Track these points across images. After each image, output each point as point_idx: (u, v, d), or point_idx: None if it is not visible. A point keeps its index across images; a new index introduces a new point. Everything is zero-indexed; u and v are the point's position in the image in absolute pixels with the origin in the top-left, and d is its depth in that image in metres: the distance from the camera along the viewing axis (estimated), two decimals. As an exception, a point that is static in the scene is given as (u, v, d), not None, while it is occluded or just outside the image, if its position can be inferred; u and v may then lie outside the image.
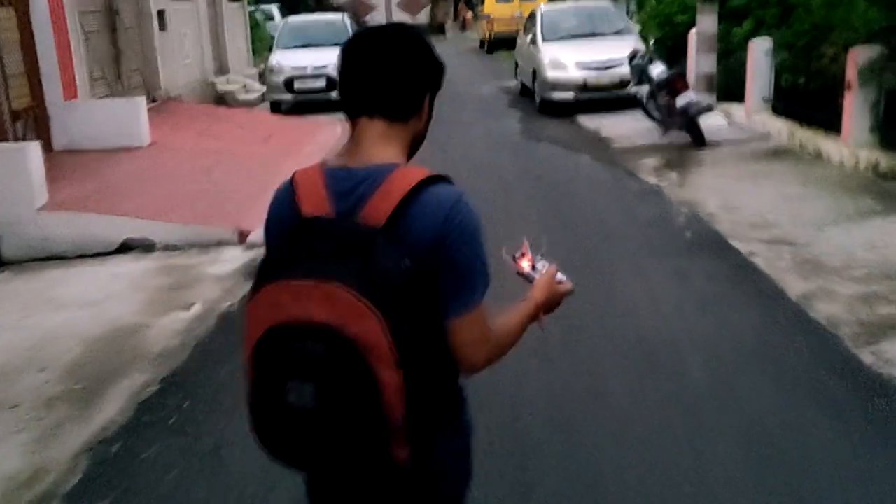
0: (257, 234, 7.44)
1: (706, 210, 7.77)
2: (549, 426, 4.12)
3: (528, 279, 1.97)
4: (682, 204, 8.08)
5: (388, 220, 1.64)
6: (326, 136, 13.22)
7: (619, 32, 15.11)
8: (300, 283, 1.58)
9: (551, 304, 1.95)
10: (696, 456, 3.79)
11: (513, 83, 18.78)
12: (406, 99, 1.78)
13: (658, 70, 11.37)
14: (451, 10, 46.17)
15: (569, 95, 14.09)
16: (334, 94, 15.48)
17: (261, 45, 23.43)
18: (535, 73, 14.88)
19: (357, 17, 38.90)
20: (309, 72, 15.85)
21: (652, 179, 9.27)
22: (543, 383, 4.57)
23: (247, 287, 6.59)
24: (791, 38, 10.53)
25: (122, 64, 12.93)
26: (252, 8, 28.24)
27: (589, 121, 13.47)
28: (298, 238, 1.67)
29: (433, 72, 1.82)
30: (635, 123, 12.76)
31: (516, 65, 17.79)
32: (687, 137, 10.90)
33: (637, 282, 6.11)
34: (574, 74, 14.04)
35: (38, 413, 4.50)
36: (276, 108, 16.27)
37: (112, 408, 4.52)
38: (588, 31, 15.14)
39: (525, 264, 1.99)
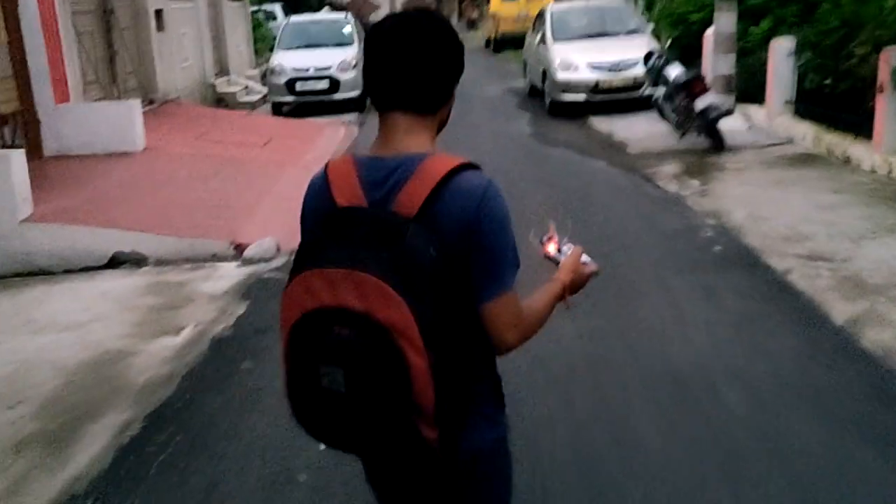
0: (254, 249, 6.99)
1: (733, 221, 7.28)
2: (572, 475, 3.66)
3: (554, 262, 2.01)
4: (706, 214, 7.60)
5: (420, 209, 1.67)
6: (329, 139, 12.77)
7: (631, 32, 14.62)
8: (333, 270, 1.61)
9: (576, 284, 1.99)
10: (746, 515, 3.33)
11: (521, 83, 18.31)
12: (437, 93, 1.80)
13: (675, 72, 10.89)
14: (456, 8, 45.68)
15: (580, 97, 13.61)
16: (337, 96, 15.07)
17: (263, 45, 22.98)
18: (544, 73, 14.41)
19: (361, 17, 38.54)
20: (311, 73, 15.38)
21: (672, 187, 8.79)
22: (565, 426, 4.09)
23: (242, 307, 6.15)
24: (817, 36, 10.04)
25: (118, 66, 12.48)
26: (254, 8, 27.85)
27: (601, 123, 12.99)
28: (332, 227, 1.69)
29: (459, 59, 1.83)
30: (650, 126, 12.28)
31: (525, 65, 17.31)
32: (706, 141, 10.42)
33: (663, 301, 5.64)
34: (586, 75, 13.56)
35: (4, 460, 4.03)
36: (278, 110, 15.81)
37: (88, 453, 4.05)
38: (599, 31, 14.66)
39: (551, 248, 2.04)
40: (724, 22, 11.66)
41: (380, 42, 1.77)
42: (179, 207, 8.12)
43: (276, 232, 7.59)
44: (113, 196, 8.30)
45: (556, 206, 8.11)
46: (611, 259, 6.53)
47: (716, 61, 11.89)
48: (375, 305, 1.58)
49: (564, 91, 13.72)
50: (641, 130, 12.13)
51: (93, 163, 9.56)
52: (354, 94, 15.51)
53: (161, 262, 7.09)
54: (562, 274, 1.97)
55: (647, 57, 11.65)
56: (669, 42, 11.74)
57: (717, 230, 7.10)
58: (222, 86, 17.63)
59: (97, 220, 7.44)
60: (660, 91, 11.48)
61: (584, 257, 2.02)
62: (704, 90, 10.09)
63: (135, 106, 10.40)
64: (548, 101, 14.32)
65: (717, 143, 10.20)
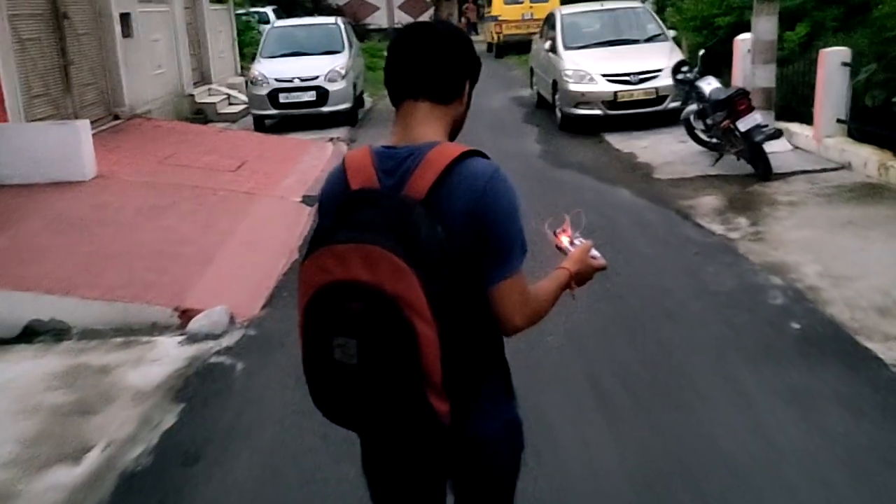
0: (201, 321, 5.51)
1: (805, 280, 5.81)
2: None
3: (565, 253, 2.06)
4: (768, 269, 6.13)
5: (428, 193, 1.75)
6: (313, 159, 11.28)
7: (652, 38, 13.15)
8: (342, 246, 1.68)
9: (583, 275, 2.03)
10: None
11: (526, 92, 16.83)
12: (449, 83, 1.90)
13: (711, 86, 9.43)
14: (456, 11, 44.20)
15: (596, 111, 12.14)
16: (325, 109, 13.62)
17: (251, 50, 21.46)
18: (555, 84, 12.93)
19: (357, 19, 37.15)
20: (296, 83, 13.87)
21: (717, 227, 7.31)
22: None
23: (172, 415, 4.57)
24: (877, 46, 8.59)
25: (73, 77, 10.99)
26: (242, 11, 26.38)
27: (620, 141, 11.51)
28: (345, 209, 1.76)
29: (473, 63, 1.95)
30: (677, 146, 10.83)
31: (531, 73, 15.82)
32: (746, 166, 8.96)
33: (734, 410, 4.17)
34: (602, 87, 12.08)
35: None
36: (260, 124, 14.32)
37: None
38: (616, 37, 13.19)
39: (564, 239, 2.11)
40: (764, 27, 10.18)
41: (403, 40, 1.90)
42: (118, 257, 6.64)
43: (233, 292, 6.14)
44: (37, 243, 6.81)
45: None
46: (653, 336, 5.08)
47: (754, 72, 10.40)
48: (384, 277, 1.63)
49: (578, 104, 12.25)
50: (668, 151, 10.66)
51: (27, 196, 8.08)
52: (344, 106, 14.03)
53: (87, 335, 5.62)
54: (569, 263, 2.01)
55: (677, 68, 10.21)
56: (703, 52, 10.21)
57: (787, 294, 5.62)
58: (202, 96, 16.15)
59: (9, 278, 5.97)
60: (690, 107, 10.04)
61: (594, 251, 2.08)
62: (749, 109, 8.61)
63: (83, 127, 8.90)
64: (559, 114, 12.85)
65: (763, 170, 8.73)
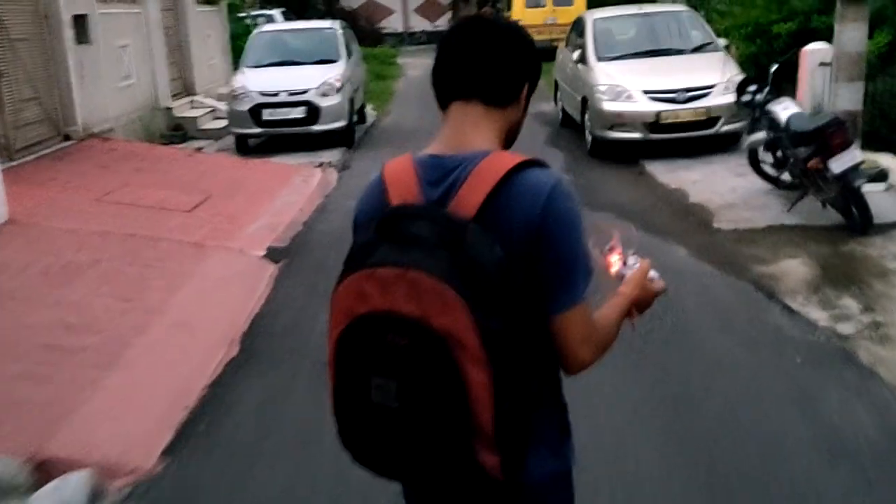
0: (50, 496, 3.55)
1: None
2: None
3: (617, 276, 1.84)
4: (915, 399, 4.13)
5: (479, 210, 1.55)
6: (293, 193, 9.35)
7: (700, 48, 11.11)
8: (385, 270, 1.47)
9: (643, 301, 1.81)
10: None
11: (549, 108, 14.78)
12: (507, 82, 1.71)
13: (789, 111, 7.43)
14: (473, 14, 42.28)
15: (635, 135, 10.13)
16: (317, 128, 11.70)
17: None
18: (584, 101, 10.93)
19: (371, 22, 35.29)
20: (283, 98, 11.92)
21: (816, 312, 5.31)
22: None
23: None
24: None
25: (4, 91, 9.11)
26: (244, 14, 24.51)
27: (664, 172, 9.50)
28: (386, 227, 1.54)
29: (534, 64, 1.77)
30: (734, 180, 8.83)
31: (556, 86, 13.80)
32: (828, 212, 6.98)
33: None
34: (642, 107, 10.07)
35: None
36: (243, 144, 12.37)
37: None
38: (658, 47, 11.15)
39: (615, 259, 1.85)
40: (850, 36, 8.15)
41: (457, 34, 1.73)
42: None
43: (130, 423, 4.23)
44: None
45: (618, 355, 4.64)
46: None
47: (835, 92, 8.37)
48: (431, 310, 1.42)
49: (613, 127, 10.24)
50: (725, 188, 8.65)
51: None
52: (339, 124, 12.05)
53: None
54: (627, 288, 1.78)
55: (742, 87, 8.20)
56: (775, 66, 8.17)
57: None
58: (182, 109, 14.27)
59: None
60: (758, 135, 8.03)
61: (652, 272, 1.84)
62: (845, 144, 6.60)
63: (-10, 158, 7.01)
64: (589, 137, 10.84)
65: (862, 222, 6.72)
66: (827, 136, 6.62)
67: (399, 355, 1.45)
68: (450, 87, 1.71)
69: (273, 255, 7.09)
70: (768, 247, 6.71)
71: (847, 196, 6.70)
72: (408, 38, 35.74)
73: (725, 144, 10.21)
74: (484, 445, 1.47)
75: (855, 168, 6.53)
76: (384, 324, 1.46)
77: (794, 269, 6.16)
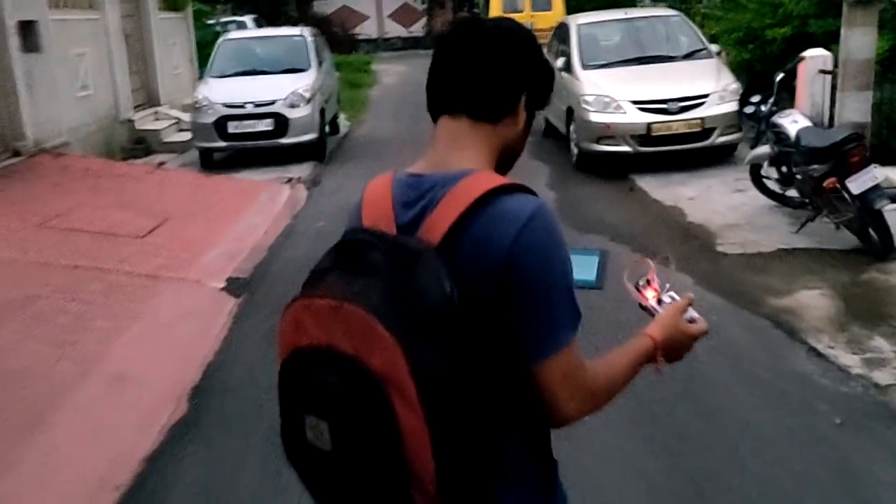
0: None
1: None
2: None
3: (650, 313, 1.62)
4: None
5: (445, 236, 1.38)
6: (259, 213, 8.66)
7: (691, 55, 10.50)
8: (322, 302, 1.33)
9: (676, 345, 1.58)
10: None
11: (531, 118, 14.18)
12: (496, 94, 1.49)
13: (798, 124, 6.82)
14: (449, 20, 41.74)
15: (624, 148, 9.50)
16: (286, 140, 11.01)
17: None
18: (570, 112, 10.29)
19: (346, 29, 34.57)
20: (249, 109, 11.20)
21: (845, 356, 4.68)
22: None
23: None
24: None
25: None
26: (213, 21, 23.76)
27: (657, 188, 8.87)
28: (344, 252, 1.40)
29: (534, 70, 1.53)
30: (732, 197, 8.27)
31: (538, 95, 13.16)
32: (841, 233, 6.39)
33: None
34: (632, 118, 9.45)
35: None
36: (207, 159, 11.63)
37: None
38: (647, 54, 10.51)
39: (650, 295, 1.64)
40: (858, 42, 7.56)
41: (445, 40, 1.54)
42: None
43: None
44: None
45: (624, 419, 3.98)
46: None
47: (842, 102, 7.79)
48: (364, 348, 1.28)
49: (600, 140, 9.61)
50: (724, 205, 8.05)
51: None
52: (309, 137, 11.34)
53: None
54: (655, 329, 1.56)
55: (745, 97, 7.58)
56: (781, 76, 7.55)
57: None
58: (145, 121, 13.54)
59: None
60: (761, 149, 7.43)
61: (691, 312, 1.62)
62: (864, 162, 5.99)
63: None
64: (575, 150, 10.21)
65: (883, 247, 6.11)
66: (844, 153, 6.01)
67: (329, 395, 1.32)
68: (436, 99, 1.53)
69: (233, 287, 6.38)
70: (782, 275, 6.09)
71: (865, 218, 6.09)
72: (383, 45, 35.10)
73: (720, 157, 9.63)
74: (423, 496, 1.31)
75: (876, 188, 5.93)
76: (319, 360, 1.32)
77: (813, 301, 5.54)
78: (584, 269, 1.65)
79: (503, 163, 1.54)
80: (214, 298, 6.18)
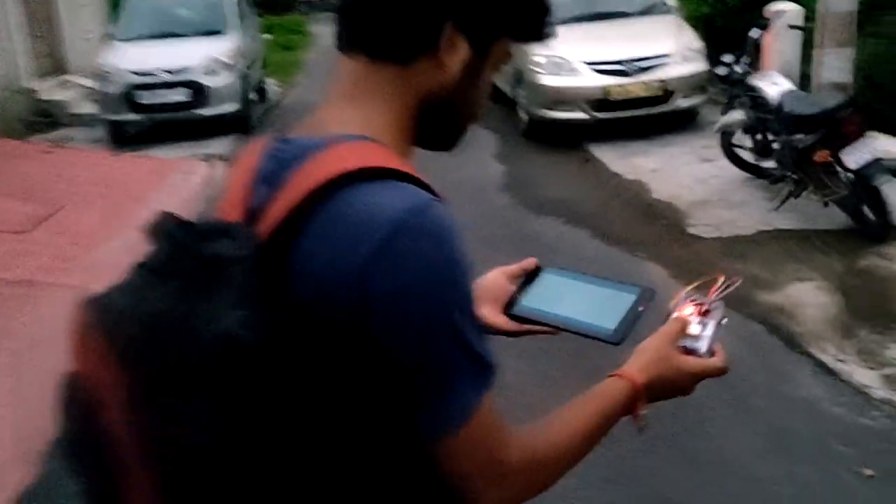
0: None
1: None
2: None
3: (688, 350, 1.12)
4: None
5: (274, 237, 0.90)
6: (172, 194, 7.62)
7: (648, 10, 9.61)
8: (84, 313, 0.92)
9: (666, 389, 1.09)
10: None
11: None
12: (402, 19, 0.96)
13: (779, 87, 6.00)
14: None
15: (579, 114, 8.62)
16: (205, 111, 9.92)
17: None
18: (519, 76, 9.35)
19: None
20: (161, 77, 10.06)
21: (859, 372, 3.90)
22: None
23: None
24: None
25: None
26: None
27: (616, 159, 8.01)
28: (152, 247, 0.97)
29: None
30: (699, 167, 7.47)
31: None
32: (829, 210, 5.61)
33: None
34: (587, 81, 8.57)
35: None
36: (118, 133, 10.44)
37: None
38: (600, 10, 9.60)
39: (688, 312, 1.14)
40: (840, -6, 6.73)
41: None
42: None
43: None
44: None
45: (601, 465, 3.12)
46: None
47: (819, 60, 6.97)
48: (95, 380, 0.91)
49: (553, 105, 8.71)
50: (691, 177, 7.24)
51: None
52: (231, 107, 10.23)
53: None
54: (633, 367, 1.07)
55: (714, 56, 6.73)
56: (758, 33, 6.68)
57: None
58: (51, 91, 12.25)
59: None
60: (733, 115, 6.60)
61: (704, 332, 1.13)
62: (860, 132, 5.18)
63: None
64: (524, 118, 9.29)
65: (879, 227, 5.33)
66: (838, 121, 5.18)
67: (68, 437, 0.98)
68: (337, 32, 1.03)
69: (127, 292, 5.38)
70: (765, 262, 5.28)
71: (861, 195, 5.30)
72: (320, 5, 33.77)
73: (682, 123, 8.80)
74: None
75: (875, 162, 5.12)
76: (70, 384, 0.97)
77: (808, 297, 4.73)
78: (603, 309, 1.12)
79: (431, 128, 1.02)
80: (103, 308, 5.16)
